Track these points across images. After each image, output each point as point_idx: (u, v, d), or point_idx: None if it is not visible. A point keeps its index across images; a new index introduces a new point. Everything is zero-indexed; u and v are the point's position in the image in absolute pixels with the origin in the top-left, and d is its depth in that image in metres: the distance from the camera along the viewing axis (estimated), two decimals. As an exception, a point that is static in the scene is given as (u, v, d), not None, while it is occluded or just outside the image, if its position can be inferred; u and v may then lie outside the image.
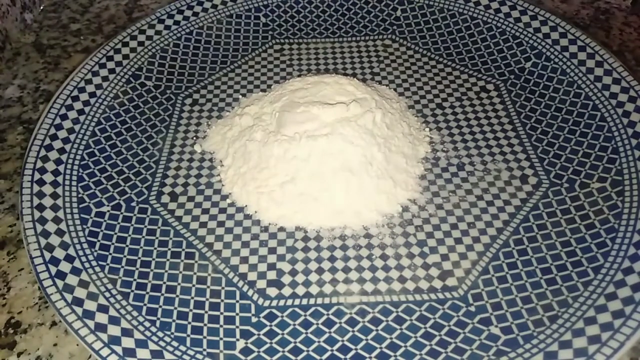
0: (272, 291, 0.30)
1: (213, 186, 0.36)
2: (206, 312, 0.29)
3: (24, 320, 0.30)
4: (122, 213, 0.34)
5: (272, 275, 0.31)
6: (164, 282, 0.30)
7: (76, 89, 0.39)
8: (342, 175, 0.33)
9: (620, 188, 0.34)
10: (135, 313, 0.29)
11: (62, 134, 0.37)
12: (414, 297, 0.30)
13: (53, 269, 0.29)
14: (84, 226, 0.32)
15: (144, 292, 0.30)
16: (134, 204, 0.35)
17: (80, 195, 0.34)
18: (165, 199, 0.35)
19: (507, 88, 0.42)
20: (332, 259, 0.32)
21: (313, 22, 0.49)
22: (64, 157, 0.36)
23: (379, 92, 0.39)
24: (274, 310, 0.30)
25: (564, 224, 0.33)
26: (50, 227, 0.31)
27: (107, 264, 0.31)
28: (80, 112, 0.38)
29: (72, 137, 0.37)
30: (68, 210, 0.33)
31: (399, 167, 0.35)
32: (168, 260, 0.32)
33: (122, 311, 0.28)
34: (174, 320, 0.29)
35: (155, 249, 0.32)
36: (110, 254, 0.31)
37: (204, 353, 0.27)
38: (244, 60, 0.46)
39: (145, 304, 0.29)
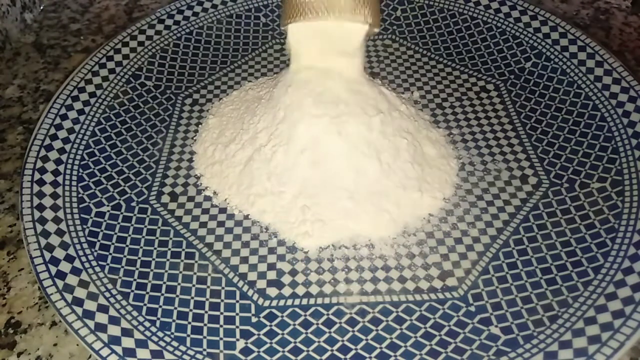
0: (272, 291, 0.30)
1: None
2: (206, 312, 0.29)
3: (24, 320, 0.30)
4: (122, 213, 0.34)
5: (272, 275, 0.31)
6: (164, 282, 0.30)
7: (76, 89, 0.39)
8: (345, 178, 0.33)
9: (620, 188, 0.34)
10: (135, 313, 0.29)
11: (62, 134, 0.37)
12: (414, 297, 0.30)
13: (53, 269, 0.29)
14: (84, 226, 0.32)
15: (144, 292, 0.30)
16: (134, 204, 0.35)
17: (80, 195, 0.34)
18: (165, 199, 0.35)
19: (507, 88, 0.42)
20: (332, 258, 0.32)
21: (313, 22, 0.49)
22: (64, 157, 0.36)
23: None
24: (274, 310, 0.30)
25: (564, 224, 0.33)
26: (50, 227, 0.31)
27: (107, 264, 0.31)
28: (80, 112, 0.38)
29: (72, 137, 0.37)
30: (68, 210, 0.33)
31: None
32: (168, 260, 0.32)
33: (122, 311, 0.28)
34: (174, 320, 0.29)
35: (155, 249, 0.32)
36: (110, 254, 0.31)
37: (204, 353, 0.27)
38: (244, 60, 0.46)
39: (145, 304, 0.29)
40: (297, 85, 0.35)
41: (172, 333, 0.28)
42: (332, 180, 0.33)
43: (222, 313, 0.29)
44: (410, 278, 0.31)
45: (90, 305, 0.28)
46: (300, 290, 0.31)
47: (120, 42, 0.43)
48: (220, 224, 0.34)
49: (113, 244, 0.32)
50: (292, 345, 0.28)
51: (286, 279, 0.31)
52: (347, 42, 0.33)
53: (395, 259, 0.32)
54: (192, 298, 0.30)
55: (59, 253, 0.30)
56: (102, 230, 0.33)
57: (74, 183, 0.35)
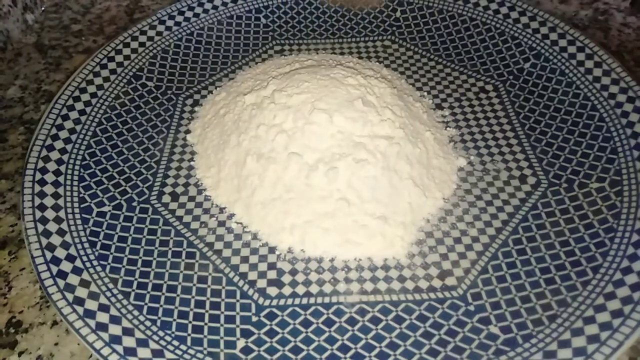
0: (273, 290, 0.31)
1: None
2: (207, 311, 0.29)
3: (25, 320, 0.31)
4: (123, 213, 0.34)
5: (272, 274, 0.31)
6: (165, 282, 0.31)
7: (77, 90, 0.40)
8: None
9: (619, 188, 0.34)
10: (136, 312, 0.29)
11: (63, 134, 0.37)
12: (414, 296, 0.30)
13: (54, 269, 0.29)
14: (85, 226, 0.32)
15: (145, 292, 0.30)
16: (135, 203, 0.35)
17: (81, 195, 0.34)
18: (166, 198, 0.35)
19: (506, 89, 0.43)
20: (332, 258, 0.32)
21: (313, 23, 0.49)
22: (65, 157, 0.36)
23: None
24: (274, 310, 0.30)
25: (562, 224, 0.33)
26: (52, 226, 0.32)
27: (108, 264, 0.31)
28: (82, 112, 0.39)
29: (73, 137, 0.37)
30: (69, 210, 0.33)
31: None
32: (169, 259, 0.32)
33: (123, 310, 0.29)
34: (174, 320, 0.29)
35: (156, 248, 0.32)
36: (111, 253, 0.32)
37: (205, 352, 0.27)
38: (244, 61, 0.46)
39: (146, 303, 0.29)
40: (296, 86, 0.35)
41: (173, 332, 0.28)
42: (332, 181, 0.33)
43: (222, 312, 0.29)
44: (409, 277, 0.31)
45: (91, 305, 0.28)
46: (301, 290, 0.31)
47: (122, 42, 0.44)
48: (221, 223, 0.34)
49: (114, 243, 0.32)
50: (292, 344, 0.28)
51: (286, 279, 0.31)
52: None
53: (395, 259, 0.32)
54: (193, 297, 0.30)
55: (60, 253, 0.30)
56: (103, 230, 0.33)
57: (75, 183, 0.35)
